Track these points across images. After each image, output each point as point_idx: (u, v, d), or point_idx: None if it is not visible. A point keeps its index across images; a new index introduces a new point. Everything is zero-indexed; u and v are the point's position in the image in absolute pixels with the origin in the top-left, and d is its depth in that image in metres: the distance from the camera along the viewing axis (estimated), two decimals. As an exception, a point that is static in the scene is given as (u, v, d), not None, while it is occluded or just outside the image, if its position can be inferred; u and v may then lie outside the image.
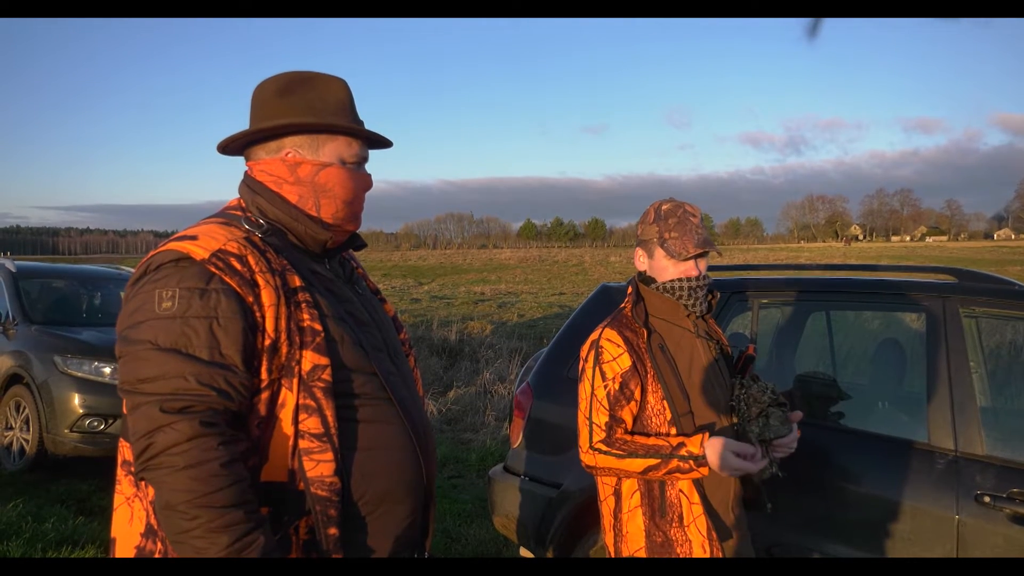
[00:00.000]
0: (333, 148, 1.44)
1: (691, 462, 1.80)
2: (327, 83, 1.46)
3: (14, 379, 5.69)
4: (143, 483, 1.28)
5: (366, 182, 1.50)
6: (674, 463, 1.81)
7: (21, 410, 5.61)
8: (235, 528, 1.16)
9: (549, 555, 3.04)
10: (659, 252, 1.98)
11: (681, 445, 1.81)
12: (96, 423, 5.31)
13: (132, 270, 6.55)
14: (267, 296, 1.29)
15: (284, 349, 1.29)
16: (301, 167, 1.42)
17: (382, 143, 1.53)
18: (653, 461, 1.81)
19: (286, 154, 1.43)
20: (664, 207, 1.99)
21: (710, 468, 1.81)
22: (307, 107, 1.42)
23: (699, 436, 1.82)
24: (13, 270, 6.40)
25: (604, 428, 1.88)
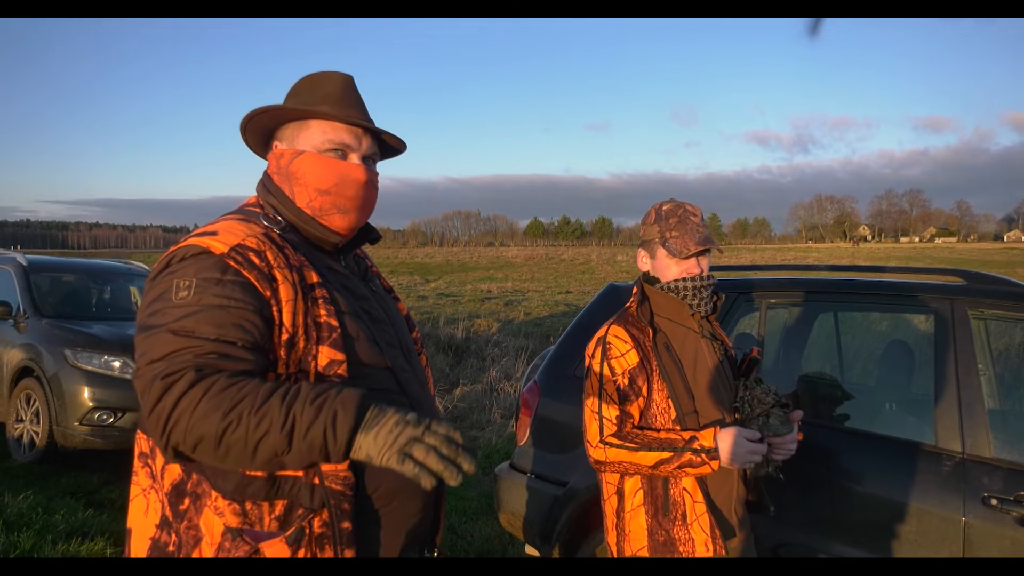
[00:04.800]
0: (306, 135, 1.44)
1: (703, 455, 1.81)
2: (326, 77, 1.46)
3: (25, 372, 5.74)
4: (159, 475, 1.30)
5: (349, 171, 1.42)
6: (687, 456, 1.81)
7: (31, 403, 5.65)
8: (286, 398, 1.15)
9: (555, 553, 3.05)
10: (661, 251, 1.99)
11: (693, 439, 1.83)
12: (105, 416, 5.35)
13: (141, 265, 6.53)
14: (284, 291, 1.30)
15: (301, 344, 1.30)
16: (282, 158, 1.45)
17: (376, 131, 1.47)
18: (666, 455, 1.82)
19: (275, 147, 1.47)
20: (665, 207, 2.01)
21: (719, 463, 1.82)
22: (292, 99, 1.45)
23: (711, 430, 1.84)
24: (24, 264, 6.44)
25: (615, 422, 1.88)
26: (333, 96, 1.43)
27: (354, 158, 1.44)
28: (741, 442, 1.81)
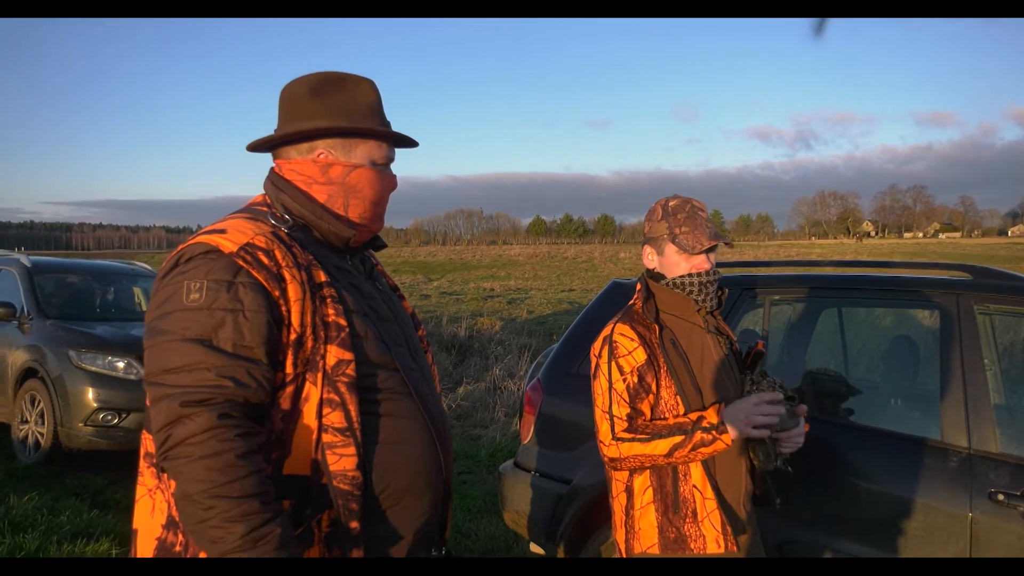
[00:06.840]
0: (365, 150, 1.46)
1: (713, 432, 1.80)
2: (358, 85, 1.48)
3: (29, 373, 5.75)
4: (165, 475, 1.30)
5: (392, 183, 1.52)
6: (698, 436, 1.81)
7: (36, 404, 5.66)
8: (250, 518, 1.18)
9: (559, 551, 3.05)
10: (670, 248, 1.97)
11: (701, 418, 1.83)
12: (110, 417, 5.36)
13: (145, 266, 6.54)
14: (293, 291, 1.30)
15: (309, 343, 1.31)
16: (333, 168, 1.44)
17: (408, 143, 1.54)
18: (678, 438, 1.82)
19: (318, 155, 1.45)
20: (672, 203, 1.99)
21: (730, 436, 1.81)
22: (340, 109, 1.44)
23: (714, 407, 1.85)
24: (28, 265, 6.45)
25: (626, 419, 1.87)
26: (376, 110, 1.48)
27: (390, 168, 1.53)
28: (741, 406, 1.81)
